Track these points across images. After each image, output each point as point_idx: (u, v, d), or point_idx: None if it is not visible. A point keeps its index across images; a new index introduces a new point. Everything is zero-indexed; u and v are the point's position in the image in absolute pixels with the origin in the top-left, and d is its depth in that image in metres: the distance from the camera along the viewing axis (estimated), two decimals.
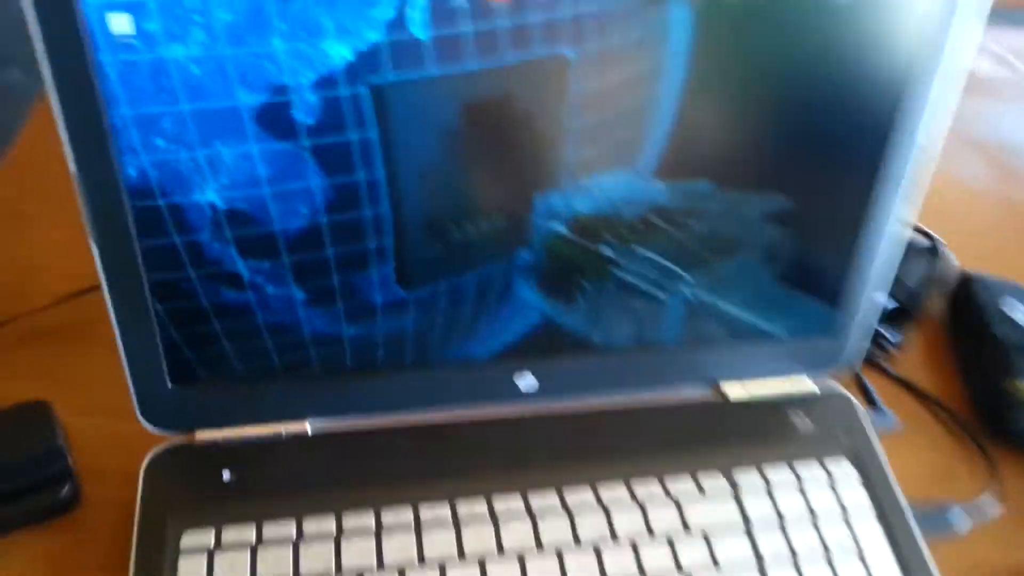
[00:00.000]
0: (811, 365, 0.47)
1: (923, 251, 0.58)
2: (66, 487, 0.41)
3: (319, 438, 0.43)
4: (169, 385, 0.40)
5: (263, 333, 0.40)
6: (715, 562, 0.40)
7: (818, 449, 0.45)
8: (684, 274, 0.42)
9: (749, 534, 0.41)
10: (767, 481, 0.43)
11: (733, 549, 0.41)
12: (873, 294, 0.45)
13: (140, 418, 0.41)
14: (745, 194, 0.40)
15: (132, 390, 0.40)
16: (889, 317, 0.54)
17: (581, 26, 0.34)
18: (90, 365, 0.47)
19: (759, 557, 0.41)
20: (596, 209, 0.39)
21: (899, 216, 0.43)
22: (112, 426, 0.44)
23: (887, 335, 0.54)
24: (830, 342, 0.47)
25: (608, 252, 0.41)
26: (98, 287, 0.39)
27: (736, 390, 0.47)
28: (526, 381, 0.44)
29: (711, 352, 0.46)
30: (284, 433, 0.43)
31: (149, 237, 0.36)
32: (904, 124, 0.40)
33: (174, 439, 0.42)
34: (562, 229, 0.40)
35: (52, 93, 0.32)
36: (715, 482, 0.43)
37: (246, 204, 0.36)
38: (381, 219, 0.37)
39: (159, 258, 0.36)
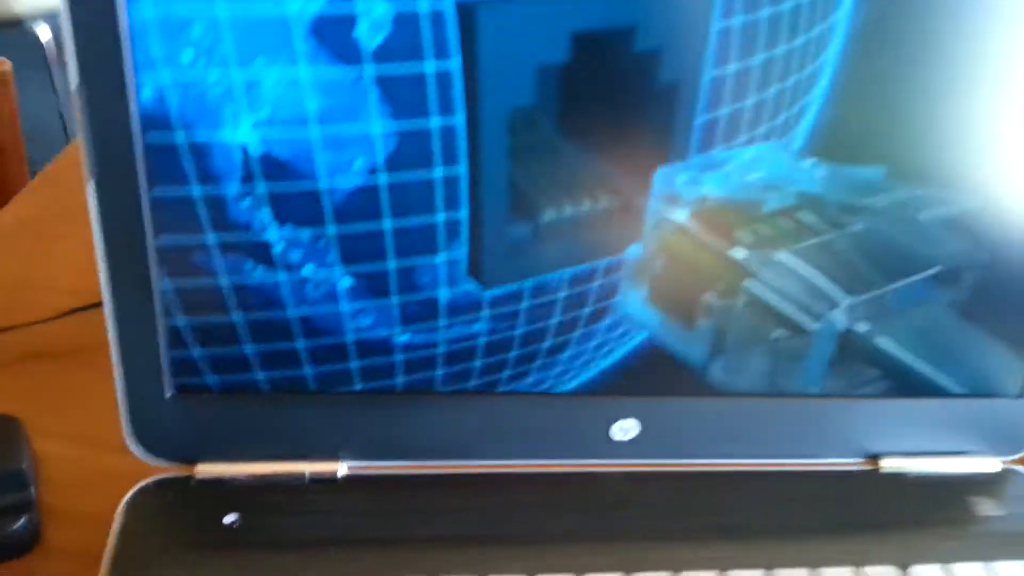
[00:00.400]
0: (1002, 443, 0.36)
1: None
2: (22, 520, 0.31)
3: (352, 482, 0.33)
4: (169, 395, 0.31)
5: (293, 331, 0.31)
6: None
7: (1020, 545, 0.33)
8: (838, 295, 0.33)
9: None
10: None
11: None
12: None
13: (129, 440, 0.32)
14: (927, 190, 0.31)
15: (122, 400, 0.31)
16: None
17: None
18: (80, 389, 0.39)
19: None
20: (731, 195, 0.30)
21: None
22: (93, 461, 0.35)
23: None
24: (1014, 411, 0.36)
25: (742, 256, 0.32)
26: (101, 304, 0.31)
27: (895, 462, 0.36)
28: (624, 427, 0.34)
29: (868, 411, 0.35)
30: (308, 474, 0.33)
31: (161, 184, 0.28)
32: None
33: (167, 471, 0.33)
34: (686, 220, 0.31)
35: None
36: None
37: (287, 149, 0.28)
38: (456, 183, 0.29)
39: (171, 215, 0.28)
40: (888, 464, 0.36)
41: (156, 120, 0.27)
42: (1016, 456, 0.37)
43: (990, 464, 0.37)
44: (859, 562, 0.32)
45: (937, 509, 0.35)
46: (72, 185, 0.54)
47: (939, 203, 0.31)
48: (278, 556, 0.30)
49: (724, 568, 0.31)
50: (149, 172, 0.28)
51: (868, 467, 0.36)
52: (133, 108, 0.27)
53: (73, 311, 0.41)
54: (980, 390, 0.35)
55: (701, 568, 0.31)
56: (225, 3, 0.26)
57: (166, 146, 0.27)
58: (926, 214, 0.32)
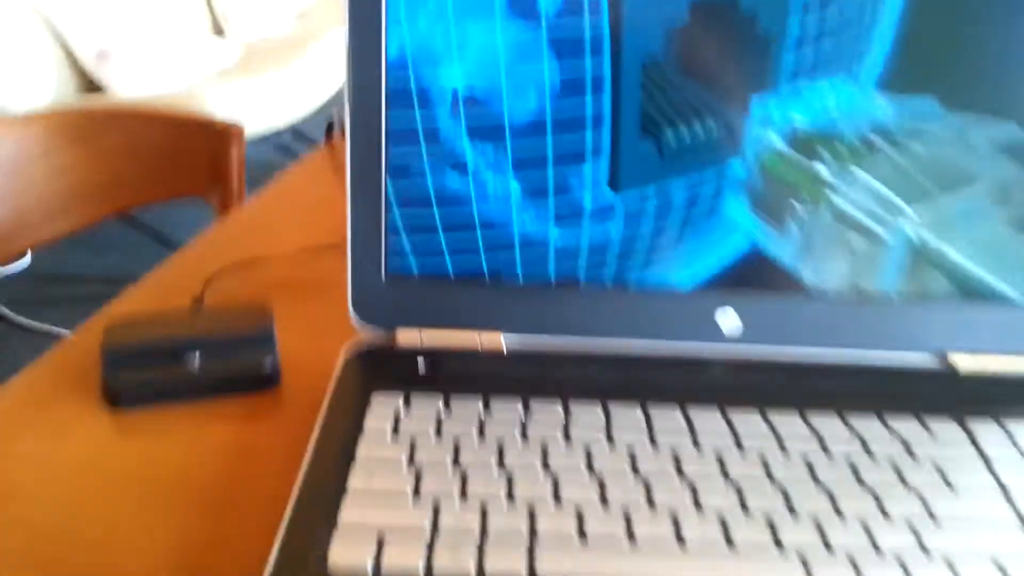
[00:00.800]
0: None
1: None
2: (269, 360, 0.42)
3: (512, 351, 0.43)
4: (383, 276, 0.42)
5: (476, 227, 0.42)
6: (949, 485, 0.34)
7: None
8: (906, 208, 0.41)
9: (990, 469, 0.35)
10: (1010, 435, 0.37)
11: (971, 477, 0.35)
12: None
13: (351, 311, 0.43)
14: (975, 117, 0.39)
15: (349, 278, 0.42)
16: None
17: None
18: (305, 305, 0.51)
19: (1003, 487, 0.34)
20: (813, 120, 0.40)
21: None
22: (317, 343, 0.46)
23: None
24: None
25: (824, 172, 0.40)
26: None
27: (967, 361, 0.42)
28: (729, 320, 0.42)
29: (939, 312, 0.42)
30: (479, 344, 0.43)
31: (397, 109, 0.40)
32: None
33: (376, 337, 0.43)
34: (777, 140, 0.40)
35: None
36: (945, 426, 0.38)
37: (483, 86, 0.40)
38: (601, 111, 0.40)
39: (400, 132, 0.40)
40: (962, 361, 0.42)
41: (397, 65, 0.39)
42: None
43: None
44: (923, 415, 0.38)
45: (1009, 397, 0.41)
46: (294, 195, 0.69)
47: (987, 128, 0.39)
48: (458, 384, 0.40)
49: (805, 410, 0.38)
50: (386, 101, 0.40)
51: (939, 362, 0.42)
52: (383, 54, 0.39)
53: (307, 249, 0.54)
54: None
55: (785, 411, 0.38)
56: None
57: (401, 82, 0.40)
58: (976, 137, 0.40)
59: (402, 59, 0.39)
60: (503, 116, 0.40)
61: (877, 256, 0.41)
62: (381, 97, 0.40)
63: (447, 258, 0.42)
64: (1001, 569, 0.32)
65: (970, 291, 0.42)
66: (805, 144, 0.40)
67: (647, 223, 0.41)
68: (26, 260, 1.92)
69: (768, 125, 0.40)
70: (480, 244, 0.42)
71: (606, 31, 0.38)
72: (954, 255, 0.41)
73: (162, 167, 0.79)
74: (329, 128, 0.70)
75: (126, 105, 0.76)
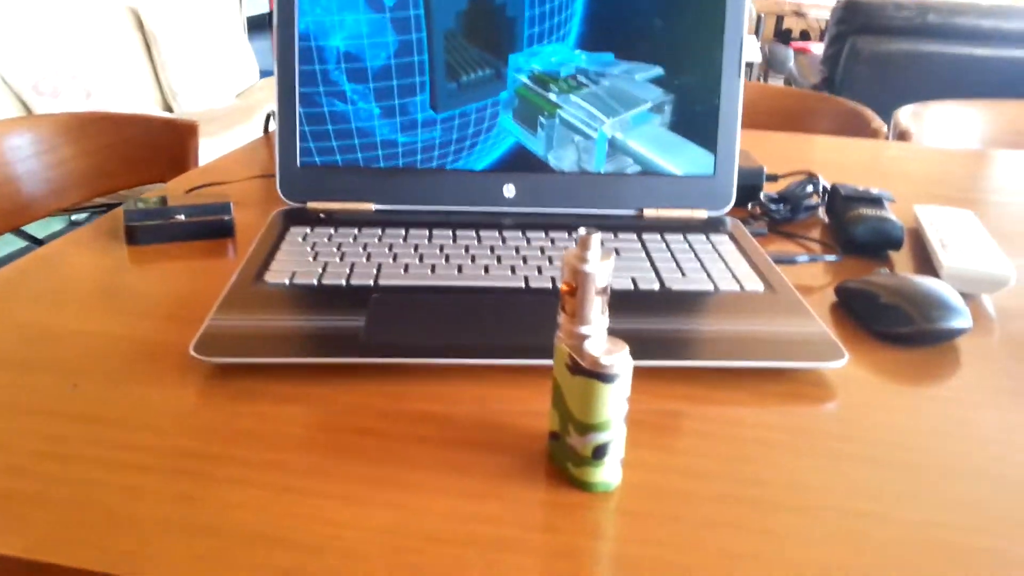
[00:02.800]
0: (709, 202, 0.71)
1: (810, 181, 0.82)
2: (228, 219, 0.69)
3: (378, 210, 0.70)
4: (298, 164, 0.70)
5: (353, 135, 0.70)
6: (618, 254, 0.63)
7: (706, 232, 0.68)
8: (603, 117, 0.70)
9: (645, 251, 0.64)
10: (665, 240, 0.66)
11: (633, 254, 0.64)
12: (734, 148, 0.71)
13: (278, 190, 0.70)
14: (635, 63, 0.70)
15: (278, 170, 0.70)
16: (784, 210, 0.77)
17: None
18: (249, 207, 0.78)
19: (650, 257, 0.63)
20: (545, 67, 0.70)
21: (738, 83, 0.70)
22: (257, 218, 0.73)
23: (776, 211, 0.77)
24: (713, 184, 0.71)
25: (554, 97, 0.70)
26: (265, 176, 0.71)
27: (652, 211, 0.71)
28: (508, 190, 0.71)
29: (631, 183, 0.71)
30: (358, 209, 0.70)
31: (304, 64, 0.69)
32: (733, 20, 0.69)
33: (293, 207, 0.71)
34: (526, 79, 0.70)
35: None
36: (628, 235, 0.67)
37: (354, 48, 0.69)
38: (423, 63, 0.69)
39: (306, 77, 0.69)
40: (648, 212, 0.71)
41: (304, 36, 0.68)
42: (718, 212, 0.72)
43: (702, 213, 0.71)
44: (616, 231, 0.67)
45: (672, 225, 0.70)
46: (232, 161, 0.96)
47: (645, 71, 0.70)
48: (342, 225, 0.67)
49: (548, 230, 0.67)
50: (300, 59, 0.68)
51: (637, 214, 0.71)
52: (296, 32, 0.68)
53: (251, 178, 0.81)
54: (691, 172, 0.71)
55: (537, 231, 0.67)
56: None
57: (307, 47, 0.68)
58: (639, 76, 0.70)
59: (307, 32, 0.68)
60: (367, 67, 0.69)
61: (591, 148, 0.71)
62: (295, 56, 0.68)
63: (337, 155, 0.70)
64: (634, 283, 0.60)
65: (648, 168, 0.71)
66: (541, 81, 0.70)
67: (456, 131, 0.70)
68: None
69: (519, 71, 0.69)
70: (356, 145, 0.70)
71: (423, 15, 0.68)
72: (636, 147, 0.71)
73: (135, 160, 1.05)
74: (267, 120, 0.98)
75: (111, 112, 1.02)
